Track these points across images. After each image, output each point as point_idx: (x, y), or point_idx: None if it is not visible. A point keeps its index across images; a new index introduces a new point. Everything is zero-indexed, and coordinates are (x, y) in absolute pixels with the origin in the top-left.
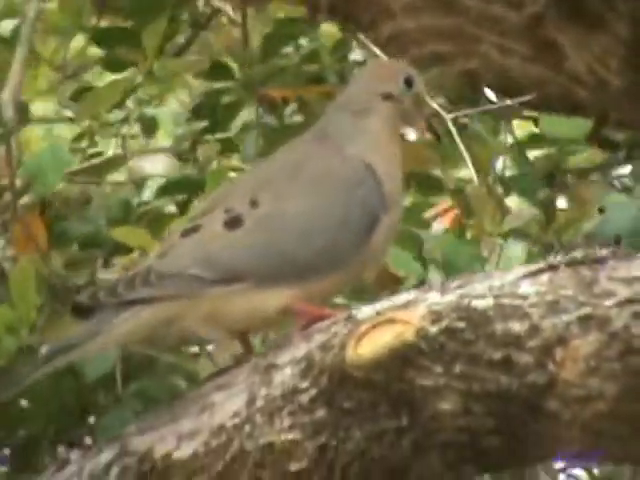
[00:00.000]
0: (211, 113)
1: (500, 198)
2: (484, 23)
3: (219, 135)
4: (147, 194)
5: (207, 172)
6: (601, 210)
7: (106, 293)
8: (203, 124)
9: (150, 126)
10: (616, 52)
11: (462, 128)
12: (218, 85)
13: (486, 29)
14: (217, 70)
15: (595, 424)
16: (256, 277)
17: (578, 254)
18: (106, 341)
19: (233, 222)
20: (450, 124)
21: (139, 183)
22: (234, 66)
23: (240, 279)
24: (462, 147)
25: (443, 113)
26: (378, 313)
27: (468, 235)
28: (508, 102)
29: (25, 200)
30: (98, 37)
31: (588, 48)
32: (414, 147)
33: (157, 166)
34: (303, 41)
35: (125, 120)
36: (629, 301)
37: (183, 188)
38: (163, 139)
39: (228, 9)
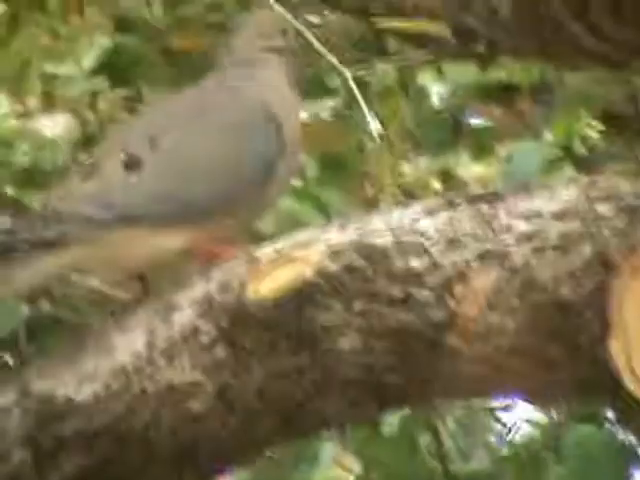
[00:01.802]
0: (114, 68)
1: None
2: None
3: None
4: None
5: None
6: (509, 159)
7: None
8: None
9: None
10: None
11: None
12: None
13: None
14: (121, 24)
15: (496, 359)
16: (154, 219)
17: (477, 191)
18: (10, 289)
19: (132, 164)
20: (351, 80)
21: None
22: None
23: (139, 221)
24: (363, 104)
25: (342, 69)
26: (278, 252)
27: (368, 193)
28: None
29: None
30: None
31: None
32: (315, 128)
33: (56, 125)
34: None
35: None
36: (528, 236)
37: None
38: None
39: None
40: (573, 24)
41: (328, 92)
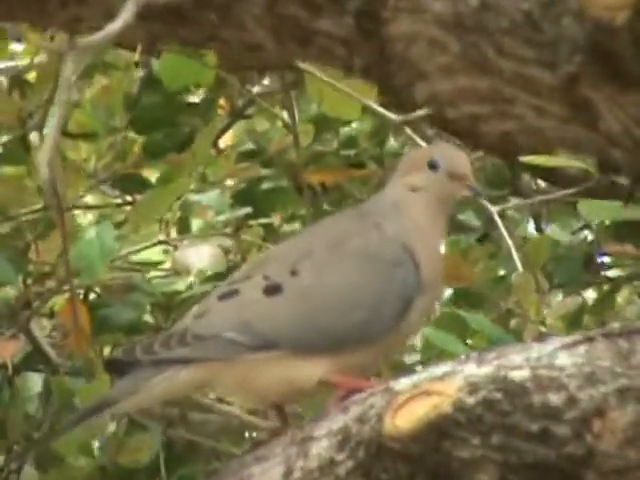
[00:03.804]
0: (253, 199)
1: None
2: (519, 83)
3: (262, 221)
4: (190, 280)
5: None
6: None
7: (142, 350)
8: (246, 210)
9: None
10: None
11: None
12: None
13: (521, 89)
14: (254, 155)
15: None
16: (292, 346)
17: (615, 325)
18: (142, 400)
19: (272, 289)
20: (496, 216)
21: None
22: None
23: (276, 347)
24: (510, 242)
25: (489, 205)
26: (415, 385)
27: (512, 323)
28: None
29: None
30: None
31: (623, 108)
32: (452, 262)
33: (201, 254)
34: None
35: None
36: None
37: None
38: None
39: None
40: None
41: (462, 229)
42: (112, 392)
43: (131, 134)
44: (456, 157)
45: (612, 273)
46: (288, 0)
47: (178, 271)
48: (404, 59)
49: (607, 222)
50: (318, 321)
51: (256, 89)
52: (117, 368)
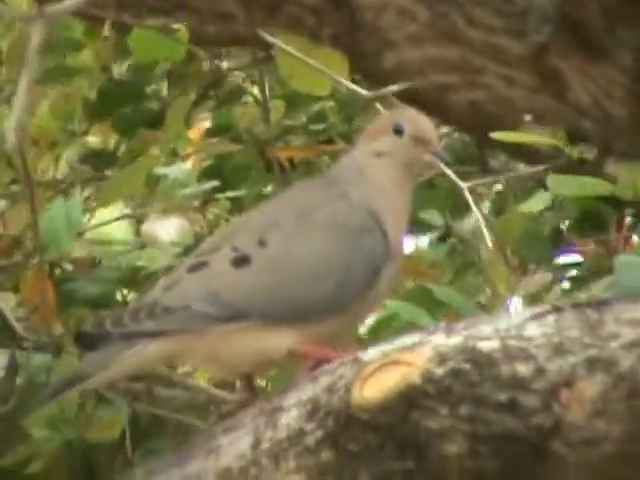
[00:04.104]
0: (221, 174)
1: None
2: (488, 53)
3: (229, 194)
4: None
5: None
6: (610, 270)
7: (111, 323)
8: (212, 184)
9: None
10: (620, 83)
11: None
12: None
13: (490, 59)
14: (223, 130)
15: (601, 466)
16: (261, 316)
17: (583, 296)
18: (114, 374)
19: (240, 260)
20: (467, 193)
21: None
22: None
23: (245, 317)
24: (479, 215)
25: (459, 181)
26: (384, 355)
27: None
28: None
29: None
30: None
31: (592, 79)
32: (413, 262)
33: (168, 228)
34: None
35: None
36: (635, 343)
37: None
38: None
39: (249, 87)
40: None
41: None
42: (83, 366)
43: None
44: (421, 122)
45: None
46: None
47: (145, 244)
48: (373, 28)
49: (569, 221)
50: (287, 291)
51: (226, 64)
52: (86, 342)
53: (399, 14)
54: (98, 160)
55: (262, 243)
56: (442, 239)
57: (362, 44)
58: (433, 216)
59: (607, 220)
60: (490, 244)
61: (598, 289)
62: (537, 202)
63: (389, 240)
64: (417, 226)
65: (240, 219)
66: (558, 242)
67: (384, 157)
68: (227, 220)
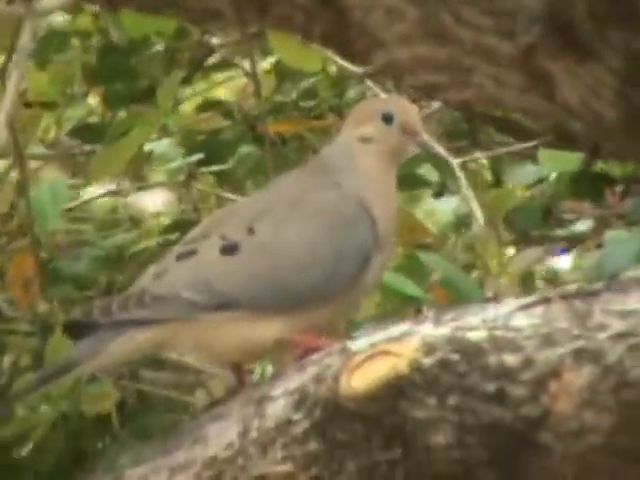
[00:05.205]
0: (208, 147)
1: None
2: (477, 53)
3: (214, 168)
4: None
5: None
6: (600, 245)
7: (100, 312)
8: (198, 156)
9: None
10: (609, 84)
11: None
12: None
13: (479, 59)
14: (214, 106)
15: (588, 457)
16: (250, 305)
17: (572, 287)
18: (104, 362)
19: (229, 249)
20: (457, 169)
21: (136, 220)
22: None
23: (234, 306)
24: (471, 194)
25: (450, 158)
26: (372, 345)
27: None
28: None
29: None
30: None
31: (581, 79)
32: (406, 217)
33: (155, 200)
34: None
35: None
36: (623, 334)
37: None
38: (159, 174)
39: (241, 61)
40: None
41: (420, 183)
42: (73, 355)
43: (91, 101)
44: (410, 112)
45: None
46: None
47: (131, 219)
48: (362, 27)
49: (565, 178)
50: (275, 279)
51: (216, 40)
52: (75, 330)
53: (388, 13)
54: (87, 133)
55: (251, 231)
56: (437, 195)
57: (352, 43)
58: (428, 172)
59: (601, 189)
60: (481, 220)
61: (588, 262)
62: (526, 177)
63: (379, 229)
64: (412, 183)
65: (229, 207)
66: (550, 217)
67: (371, 143)
68: (214, 195)
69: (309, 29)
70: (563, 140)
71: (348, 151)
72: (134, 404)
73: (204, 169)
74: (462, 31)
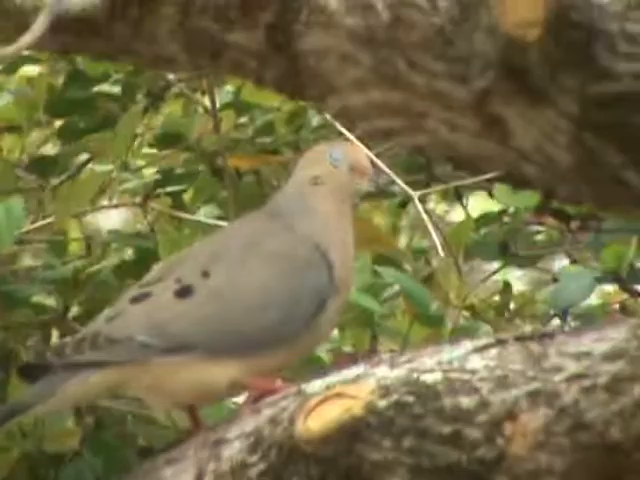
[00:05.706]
0: (165, 174)
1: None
2: (431, 98)
3: (169, 189)
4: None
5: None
6: (555, 279)
7: (53, 354)
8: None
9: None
10: (564, 129)
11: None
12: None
13: (433, 104)
14: (173, 140)
15: None
16: (204, 348)
17: (527, 329)
18: (56, 404)
19: (184, 291)
20: (417, 201)
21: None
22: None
23: (188, 349)
24: (430, 226)
25: (410, 190)
26: (327, 387)
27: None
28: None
29: None
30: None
31: (535, 124)
32: (369, 227)
33: (112, 218)
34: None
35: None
36: (578, 376)
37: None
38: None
39: (200, 98)
40: (631, 174)
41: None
42: (26, 397)
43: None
44: (356, 152)
45: None
46: (200, 14)
47: (87, 238)
48: (315, 73)
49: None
50: (229, 323)
51: (173, 75)
52: (29, 373)
53: (342, 59)
54: (44, 167)
55: (205, 274)
56: (402, 205)
57: (305, 89)
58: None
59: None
60: (441, 251)
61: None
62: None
63: (335, 272)
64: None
65: (185, 251)
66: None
67: (322, 185)
68: (169, 215)
69: (262, 75)
70: (518, 185)
71: (300, 194)
72: (96, 417)
73: (160, 190)
74: (416, 76)
